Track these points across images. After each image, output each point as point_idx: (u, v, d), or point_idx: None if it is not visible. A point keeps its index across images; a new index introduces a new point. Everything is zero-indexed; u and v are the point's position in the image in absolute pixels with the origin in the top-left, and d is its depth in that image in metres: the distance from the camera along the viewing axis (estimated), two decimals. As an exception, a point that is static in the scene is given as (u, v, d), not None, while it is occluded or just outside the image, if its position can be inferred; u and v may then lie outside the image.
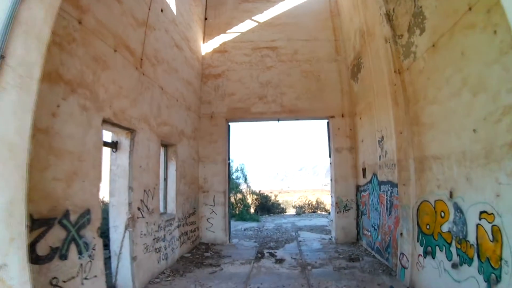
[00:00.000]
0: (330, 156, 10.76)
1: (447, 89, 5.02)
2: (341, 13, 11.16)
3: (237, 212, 17.27)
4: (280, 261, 8.14)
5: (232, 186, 17.98)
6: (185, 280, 6.81)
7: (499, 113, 3.77)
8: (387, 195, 7.47)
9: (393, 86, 6.79)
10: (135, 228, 6.17)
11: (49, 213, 3.95)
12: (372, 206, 8.63)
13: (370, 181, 8.79)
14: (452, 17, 4.78)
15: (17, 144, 2.78)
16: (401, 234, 6.50)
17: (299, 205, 21.05)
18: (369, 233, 8.82)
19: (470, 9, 4.30)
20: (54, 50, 4.14)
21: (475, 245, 4.32)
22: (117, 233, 6.06)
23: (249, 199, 19.45)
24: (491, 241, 3.99)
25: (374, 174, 8.37)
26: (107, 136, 6.13)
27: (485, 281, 4.02)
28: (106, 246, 5.89)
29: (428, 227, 5.69)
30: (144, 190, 6.55)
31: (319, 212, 20.04)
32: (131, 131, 6.19)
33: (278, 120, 11.15)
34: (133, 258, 6.08)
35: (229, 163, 11.08)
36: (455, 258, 4.83)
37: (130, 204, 6.06)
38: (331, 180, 10.65)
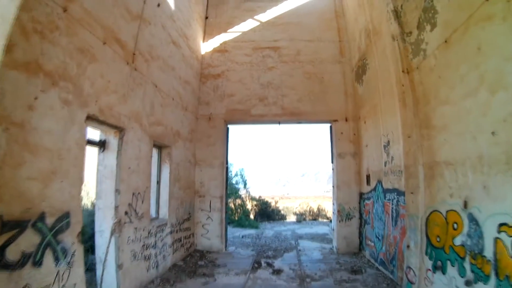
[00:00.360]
0: (332, 162, 10.29)
1: (461, 88, 4.61)
2: (346, 13, 10.77)
3: (236, 218, 16.80)
4: (277, 272, 7.66)
5: (231, 191, 17.58)
6: (175, 291, 6.37)
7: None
8: (392, 204, 7.00)
9: (400, 86, 6.37)
10: (121, 234, 5.75)
11: (22, 215, 3.57)
12: (376, 215, 8.16)
13: (374, 189, 8.32)
14: (467, 10, 4.41)
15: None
16: (408, 246, 6.03)
17: (300, 212, 20.51)
18: (373, 244, 8.34)
19: (487, -1, 3.92)
20: (34, 38, 3.81)
21: (493, 261, 3.90)
22: (102, 238, 5.64)
23: (249, 205, 18.97)
24: (511, 257, 3.55)
25: (379, 181, 7.91)
26: (95, 134, 5.75)
27: (505, 302, 3.58)
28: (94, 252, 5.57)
29: (438, 239, 5.23)
30: (133, 194, 6.13)
31: (320, 219, 19.51)
32: (119, 129, 5.78)
33: (279, 123, 10.72)
34: (119, 266, 5.65)
35: (227, 167, 10.62)
36: (469, 274, 4.39)
37: (116, 207, 5.64)
38: (333, 187, 10.19)
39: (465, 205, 4.47)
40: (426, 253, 5.59)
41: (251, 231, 14.18)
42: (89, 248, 6.07)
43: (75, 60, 4.62)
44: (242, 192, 19.35)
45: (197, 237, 9.93)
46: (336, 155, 9.99)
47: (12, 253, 3.40)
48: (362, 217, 9.47)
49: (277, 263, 8.46)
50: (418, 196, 5.79)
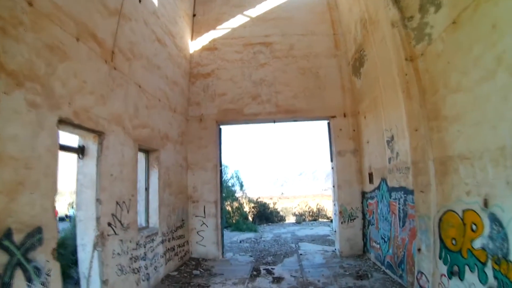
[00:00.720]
0: (331, 160, 9.80)
1: (475, 72, 4.13)
2: (339, 5, 10.29)
3: (234, 222, 16.28)
4: (278, 280, 7.14)
5: (227, 194, 17.11)
6: (167, 307, 5.84)
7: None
8: (399, 203, 6.51)
9: (404, 76, 5.89)
10: (105, 247, 5.21)
11: (-17, 233, 3.04)
12: (381, 216, 7.67)
13: (378, 187, 7.83)
14: (476, -15, 3.94)
15: None
16: (419, 249, 5.55)
17: (299, 212, 20.05)
18: (378, 246, 7.85)
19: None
20: (-7, 35, 3.29)
21: (520, 266, 3.41)
22: (85, 252, 5.13)
23: (246, 208, 18.45)
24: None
25: (383, 179, 7.43)
26: (74, 140, 5.24)
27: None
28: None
29: (454, 242, 4.75)
30: (117, 203, 5.59)
31: (320, 219, 19.07)
32: (98, 133, 5.25)
33: (274, 121, 10.22)
34: (104, 282, 5.13)
35: (220, 170, 10.09)
36: (492, 281, 3.91)
37: (98, 219, 5.11)
38: (333, 186, 9.68)
39: (485, 203, 3.98)
40: (440, 257, 5.10)
41: (250, 235, 13.66)
42: (76, 262, 5.56)
43: (44, 58, 4.11)
44: (239, 194, 18.81)
45: (192, 245, 9.39)
46: (336, 153, 9.49)
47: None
48: (366, 218, 8.97)
49: (277, 270, 7.95)
50: (429, 194, 5.30)
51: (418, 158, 5.63)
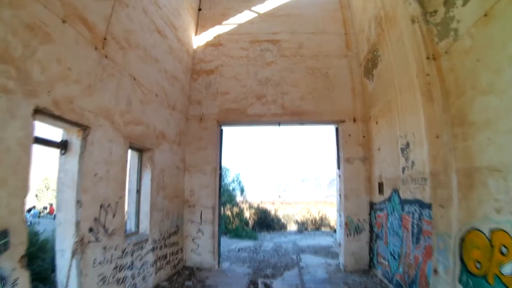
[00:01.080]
0: (338, 168, 9.19)
1: (510, 71, 3.56)
2: (352, 3, 9.74)
3: (233, 228, 15.68)
4: (276, 296, 6.55)
5: (227, 198, 16.55)
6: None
7: None
8: (413, 218, 5.90)
9: (424, 77, 5.32)
10: (85, 255, 4.68)
11: None
12: (391, 230, 7.05)
13: (389, 199, 7.22)
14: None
15: None
16: (435, 270, 4.94)
17: (301, 220, 19.37)
18: (386, 262, 7.22)
19: None
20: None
21: None
22: (63, 259, 4.60)
23: (247, 214, 17.83)
24: None
25: (395, 190, 6.82)
26: (57, 133, 4.74)
27: None
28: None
29: (478, 265, 4.15)
30: (101, 205, 5.05)
31: (323, 229, 18.38)
32: (83, 128, 4.73)
33: (279, 124, 9.63)
34: (83, 293, 4.59)
35: (220, 174, 9.50)
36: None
37: (77, 223, 4.58)
38: (339, 196, 9.05)
39: (521, 224, 3.39)
40: (460, 281, 4.49)
41: (249, 243, 13.03)
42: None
43: (21, 39, 3.65)
44: (240, 199, 18.21)
45: (186, 252, 8.80)
46: (343, 160, 8.87)
47: None
48: (373, 231, 8.34)
49: (276, 285, 7.34)
50: (451, 210, 4.71)
51: (439, 168, 5.03)
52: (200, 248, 8.75)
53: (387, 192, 7.36)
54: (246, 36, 9.88)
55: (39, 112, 3.90)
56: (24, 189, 3.62)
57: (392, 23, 6.73)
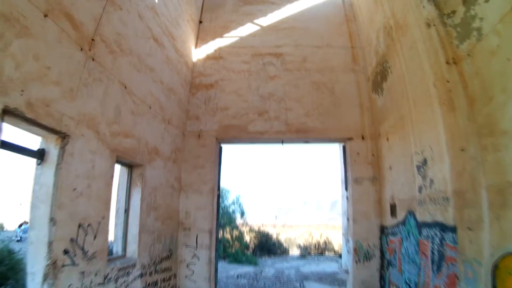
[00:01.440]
0: (346, 189, 8.53)
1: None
2: (358, 16, 9.37)
3: (232, 251, 14.87)
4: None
5: (227, 221, 15.90)
6: None
7: None
8: (433, 243, 5.24)
9: (444, 84, 4.82)
10: (58, 281, 4.01)
11: None
12: (406, 256, 6.36)
13: (403, 222, 6.56)
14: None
15: None
16: (464, 305, 4.25)
17: (304, 245, 18.53)
18: (402, 293, 6.49)
19: None
20: None
21: None
22: (34, 283, 3.94)
23: (247, 237, 17.02)
24: None
25: (410, 213, 6.18)
26: (35, 141, 4.20)
27: None
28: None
29: (519, 300, 3.48)
30: (80, 225, 4.41)
31: (327, 253, 17.53)
32: (62, 135, 4.16)
33: (282, 142, 9.05)
34: (54, 325, 3.91)
35: (218, 194, 8.85)
36: None
37: (50, 243, 3.93)
38: (347, 219, 8.35)
39: None
40: (496, 319, 3.82)
41: (249, 269, 12.23)
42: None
43: (-7, 29, 3.14)
44: (240, 221, 17.44)
45: (180, 279, 8.02)
46: (352, 180, 8.23)
47: None
48: (385, 257, 7.62)
49: (279, 318, 6.60)
50: (481, 233, 4.08)
51: (465, 185, 4.43)
52: (195, 275, 7.97)
53: (400, 215, 6.70)
54: (248, 49, 9.45)
55: (9, 113, 3.37)
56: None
57: (404, 31, 6.29)
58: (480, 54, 4.24)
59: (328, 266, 12.94)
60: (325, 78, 9.00)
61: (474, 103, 4.36)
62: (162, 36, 7.23)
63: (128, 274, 5.69)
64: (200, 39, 9.73)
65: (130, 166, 6.29)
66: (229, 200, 17.28)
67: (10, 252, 6.63)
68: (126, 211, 6.13)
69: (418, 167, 5.81)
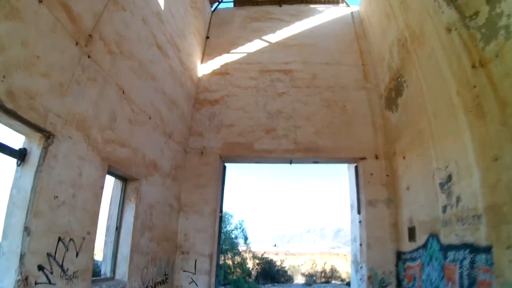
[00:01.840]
0: (359, 212, 7.88)
1: None
2: (368, 33, 9.10)
3: (234, 278, 14.00)
4: None
5: (229, 246, 15.16)
6: None
7: None
8: (461, 267, 4.63)
9: (470, 90, 4.42)
10: (29, 301, 3.43)
11: None
12: (427, 283, 5.68)
13: (424, 246, 5.92)
14: None
15: None
16: None
17: (309, 273, 17.60)
18: (423, 326, 5.76)
19: None
20: None
21: None
22: (3, 301, 3.37)
23: (250, 264, 16.15)
24: None
25: (433, 235, 5.57)
26: (18, 139, 3.76)
27: None
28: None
29: None
30: (60, 239, 3.86)
31: (333, 281, 16.58)
32: (46, 134, 3.71)
33: (291, 162, 8.55)
34: None
35: (221, 216, 8.25)
36: None
37: (22, 256, 3.39)
38: (360, 245, 7.62)
39: None
40: None
41: (251, 298, 11.41)
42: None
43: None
44: (243, 247, 16.61)
45: (176, 307, 7.33)
46: (365, 203, 7.61)
47: None
48: (402, 285, 6.88)
49: None
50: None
51: (501, 198, 3.91)
52: (192, 303, 7.29)
53: (420, 238, 6.08)
54: (255, 65, 9.15)
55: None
56: None
57: (420, 41, 5.96)
58: (509, 54, 3.87)
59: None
60: (336, 95, 8.61)
61: (507, 107, 3.90)
62: (166, 45, 6.94)
63: (115, 298, 5.07)
64: (207, 54, 9.49)
65: (124, 179, 5.78)
66: (232, 225, 16.55)
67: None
68: (118, 228, 5.57)
69: (441, 185, 5.27)
